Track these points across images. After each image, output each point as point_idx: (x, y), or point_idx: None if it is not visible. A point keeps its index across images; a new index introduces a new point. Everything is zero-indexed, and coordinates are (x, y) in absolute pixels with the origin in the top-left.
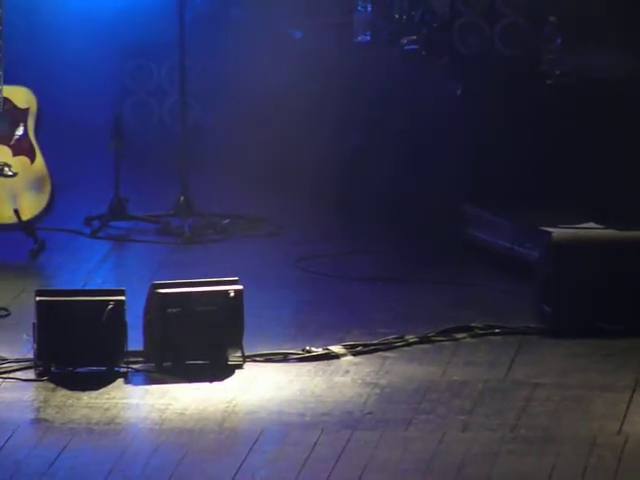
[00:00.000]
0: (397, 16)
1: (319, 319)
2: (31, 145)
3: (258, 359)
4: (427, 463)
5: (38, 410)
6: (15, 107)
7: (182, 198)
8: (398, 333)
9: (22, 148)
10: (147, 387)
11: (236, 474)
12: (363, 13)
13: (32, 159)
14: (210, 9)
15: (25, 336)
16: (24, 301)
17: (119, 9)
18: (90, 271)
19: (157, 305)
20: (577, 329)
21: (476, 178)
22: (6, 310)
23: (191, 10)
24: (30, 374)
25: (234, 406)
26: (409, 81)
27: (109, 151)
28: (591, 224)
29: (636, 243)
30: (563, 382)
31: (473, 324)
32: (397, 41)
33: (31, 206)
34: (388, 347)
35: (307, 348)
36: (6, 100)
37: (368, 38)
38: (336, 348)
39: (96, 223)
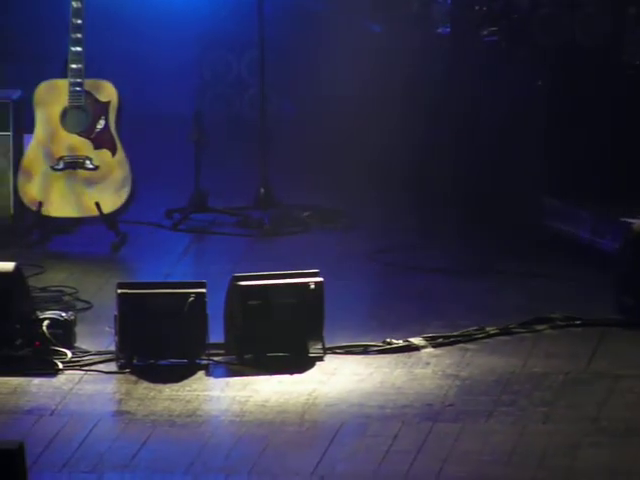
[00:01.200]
0: (477, 7)
1: (399, 311)
2: (112, 138)
3: (338, 351)
4: (508, 455)
5: (120, 402)
6: (96, 100)
7: (262, 190)
8: (478, 325)
9: (103, 141)
10: (228, 379)
11: (317, 466)
12: (442, 4)
13: (113, 152)
14: (289, 2)
15: (107, 329)
16: (106, 294)
17: (199, 2)
18: (171, 264)
19: (238, 297)
20: None
21: (556, 169)
22: (88, 303)
23: (270, 2)
24: (112, 367)
25: (315, 398)
26: (489, 73)
27: (189, 143)
28: None
29: None
30: None
31: (553, 315)
32: (477, 32)
33: (112, 199)
34: (468, 339)
35: (387, 340)
36: (87, 94)
37: (447, 30)
38: (416, 340)
39: (177, 216)
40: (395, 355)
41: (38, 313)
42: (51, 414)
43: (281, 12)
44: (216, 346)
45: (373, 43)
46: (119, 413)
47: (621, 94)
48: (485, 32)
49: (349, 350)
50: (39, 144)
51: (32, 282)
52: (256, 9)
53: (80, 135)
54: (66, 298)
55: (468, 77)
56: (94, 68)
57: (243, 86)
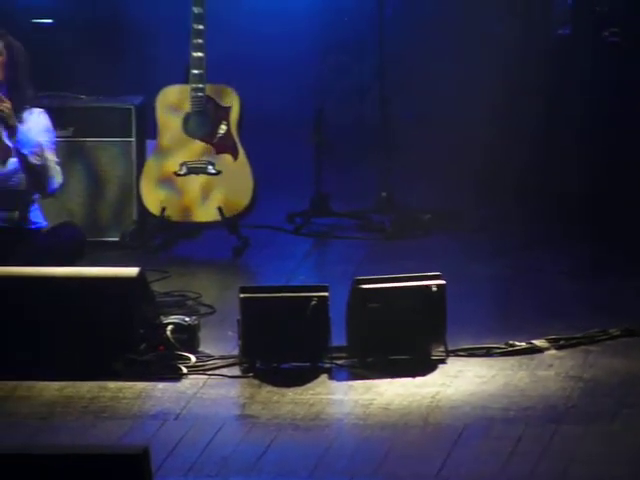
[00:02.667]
0: (598, 8)
1: (521, 313)
2: (234, 142)
3: (461, 353)
4: (632, 456)
5: (244, 406)
6: (218, 105)
7: (383, 194)
8: (600, 327)
9: (225, 146)
10: (351, 383)
11: (441, 468)
12: (562, 5)
13: (235, 156)
14: (410, 4)
15: (230, 333)
16: (228, 298)
17: (320, 5)
18: (293, 267)
19: (360, 301)
20: None
21: None
22: (211, 307)
23: (391, 5)
24: (235, 371)
25: (438, 401)
26: (610, 74)
27: (310, 147)
28: None
29: None
30: None
31: None
32: (598, 33)
33: (234, 203)
34: (591, 341)
35: (510, 342)
36: (209, 98)
37: (568, 31)
38: (539, 342)
39: (298, 219)
40: (518, 357)
41: (162, 318)
42: (175, 418)
43: (402, 14)
44: (338, 349)
45: (493, 44)
46: (243, 417)
47: None
48: (606, 33)
49: (472, 352)
50: (161, 150)
51: (156, 287)
52: (377, 12)
53: (202, 140)
54: (190, 303)
55: (589, 78)
56: (215, 73)
57: (364, 89)
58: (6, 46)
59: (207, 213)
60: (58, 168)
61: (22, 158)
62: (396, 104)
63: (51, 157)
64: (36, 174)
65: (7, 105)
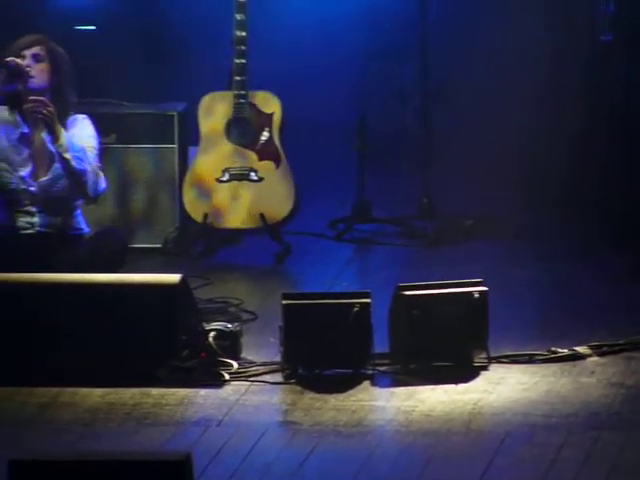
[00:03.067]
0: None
1: (563, 319)
2: (276, 149)
3: (503, 360)
4: None
5: (286, 413)
6: (260, 112)
7: (425, 200)
8: None
9: (267, 153)
10: (393, 389)
11: (483, 475)
12: (604, 12)
13: (277, 163)
14: (452, 11)
15: (272, 339)
16: (270, 304)
17: (362, 12)
18: (335, 274)
19: (402, 307)
20: None
21: None
22: (253, 314)
23: (434, 12)
24: (277, 377)
25: (480, 407)
26: None
27: (352, 153)
28: None
29: None
30: None
31: None
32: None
33: (276, 210)
34: (634, 347)
35: (552, 349)
36: (251, 105)
37: (609, 37)
38: (581, 349)
39: (340, 226)
40: (560, 364)
41: (204, 324)
42: (218, 425)
43: (444, 21)
44: (381, 356)
45: (535, 51)
46: (285, 423)
47: None
48: None
49: (514, 359)
50: (204, 156)
51: (198, 294)
52: (419, 18)
53: (244, 147)
54: (232, 309)
55: (630, 83)
56: (257, 79)
57: (406, 95)
58: (49, 52)
59: (249, 220)
60: (101, 174)
61: (65, 163)
62: (438, 110)
63: (94, 162)
64: (79, 179)
65: (50, 110)
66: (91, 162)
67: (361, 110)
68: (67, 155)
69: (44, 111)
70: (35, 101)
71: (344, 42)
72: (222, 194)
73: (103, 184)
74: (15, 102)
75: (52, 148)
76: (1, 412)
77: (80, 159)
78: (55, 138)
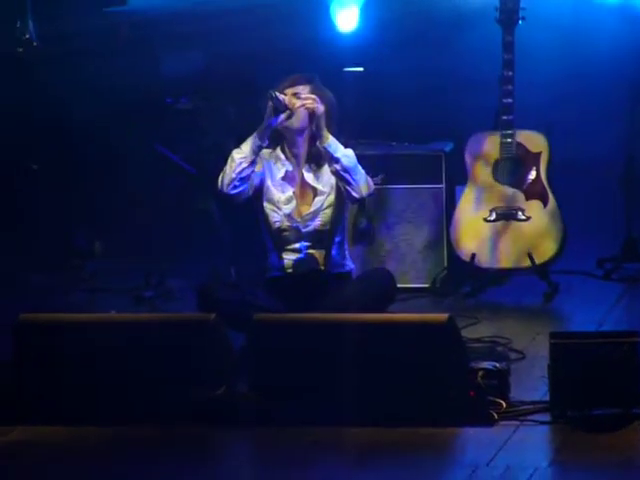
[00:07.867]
0: None
1: None
2: (544, 188)
3: None
4: None
5: (555, 452)
6: (528, 151)
7: None
8: None
9: (535, 192)
10: None
11: None
12: None
13: (545, 203)
14: None
15: (543, 377)
16: (539, 344)
17: (632, 47)
18: (603, 313)
19: None
20: None
21: None
22: (521, 353)
23: None
24: (547, 416)
25: None
26: None
27: (621, 191)
28: None
29: None
30: None
31: None
32: None
33: (544, 249)
34: None
35: None
36: (519, 145)
37: None
38: None
39: (608, 265)
40: None
41: (473, 363)
42: (487, 465)
43: None
44: None
45: None
46: (554, 463)
47: None
48: None
49: None
50: (472, 196)
51: (466, 333)
52: None
53: (512, 186)
54: (499, 348)
55: None
56: (523, 120)
57: None
58: (314, 92)
59: (517, 259)
60: (367, 177)
61: (336, 162)
62: None
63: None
64: (349, 178)
65: (321, 107)
66: (357, 163)
67: (630, 149)
68: (337, 154)
69: (313, 106)
70: (306, 98)
71: (613, 77)
72: (489, 234)
73: (371, 184)
74: (278, 140)
75: (314, 184)
76: None
77: (348, 156)
78: (324, 138)
